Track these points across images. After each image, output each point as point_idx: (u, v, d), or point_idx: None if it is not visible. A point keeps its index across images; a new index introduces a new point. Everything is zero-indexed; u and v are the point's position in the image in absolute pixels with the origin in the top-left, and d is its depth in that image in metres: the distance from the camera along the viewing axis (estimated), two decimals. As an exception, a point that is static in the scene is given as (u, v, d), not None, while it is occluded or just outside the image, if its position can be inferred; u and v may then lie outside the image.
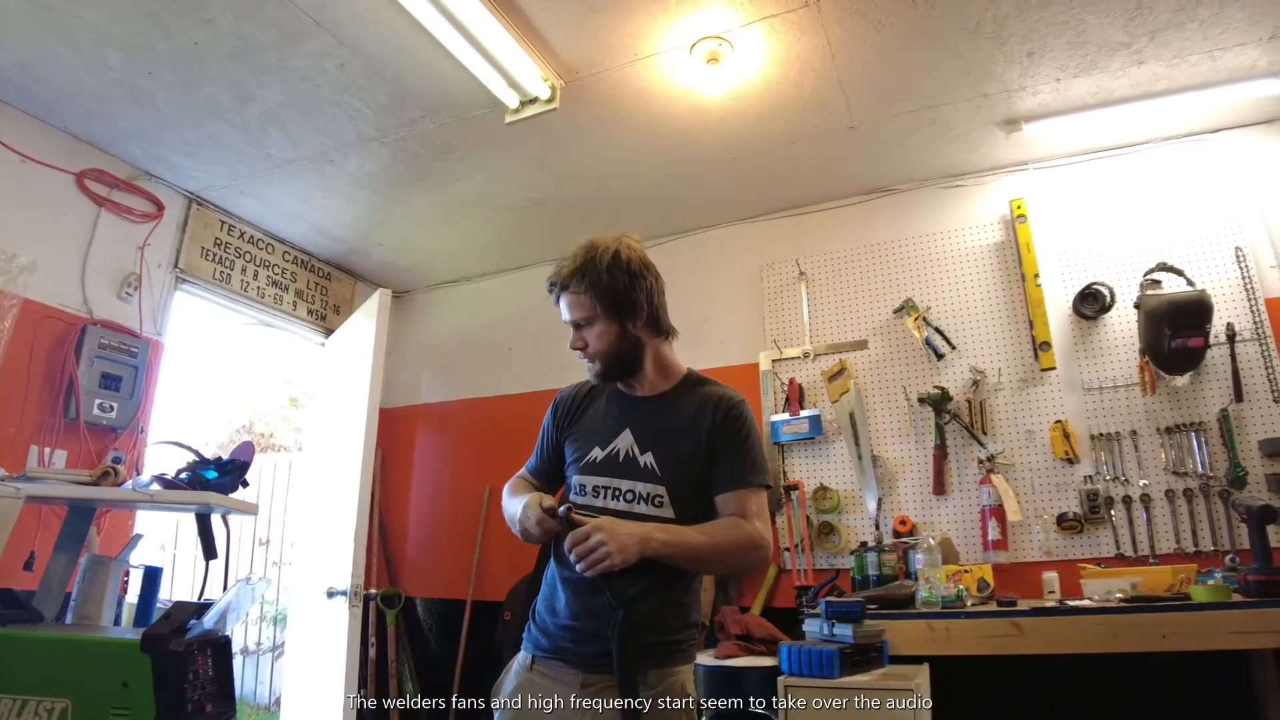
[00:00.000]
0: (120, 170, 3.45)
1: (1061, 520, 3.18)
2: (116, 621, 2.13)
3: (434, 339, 4.99)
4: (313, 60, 2.82)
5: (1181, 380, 3.15)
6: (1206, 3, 2.59)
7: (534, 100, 2.98)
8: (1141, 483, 3.14)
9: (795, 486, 3.65)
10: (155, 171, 3.58)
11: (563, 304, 1.74)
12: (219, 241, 3.94)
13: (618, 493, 1.68)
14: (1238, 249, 3.19)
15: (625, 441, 1.72)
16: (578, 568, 1.50)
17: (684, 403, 1.75)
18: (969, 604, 2.75)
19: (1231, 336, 3.09)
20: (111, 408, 3.20)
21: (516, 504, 1.70)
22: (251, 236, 4.14)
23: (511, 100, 2.99)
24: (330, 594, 3.59)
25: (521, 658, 1.74)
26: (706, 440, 1.68)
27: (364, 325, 4.01)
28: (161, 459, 2.94)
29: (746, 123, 3.28)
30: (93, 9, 2.55)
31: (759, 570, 3.47)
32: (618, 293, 1.68)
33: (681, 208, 4.09)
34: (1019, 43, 2.79)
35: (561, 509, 1.56)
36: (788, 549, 3.59)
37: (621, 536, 1.49)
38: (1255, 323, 3.09)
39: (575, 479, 1.77)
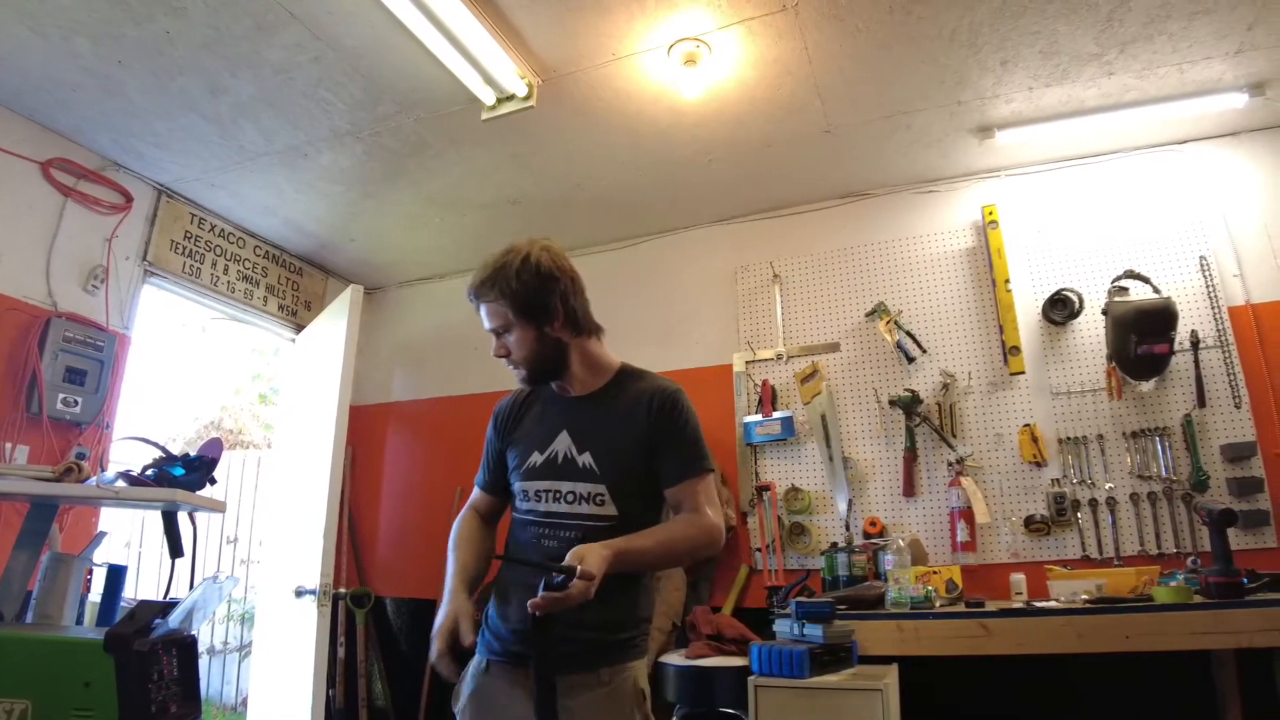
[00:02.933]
0: (88, 160, 3.38)
1: (1029, 522, 3.23)
2: (79, 621, 2.10)
3: (406, 336, 4.94)
4: (287, 53, 2.79)
5: (1147, 386, 3.21)
6: (1176, 17, 2.64)
7: (511, 98, 2.96)
8: (1107, 486, 3.19)
9: (767, 487, 3.67)
10: (124, 162, 3.51)
11: (482, 313, 1.75)
12: (189, 234, 3.88)
13: (559, 495, 1.68)
14: (1202, 258, 3.26)
15: (563, 443, 1.72)
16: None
17: (619, 399, 1.76)
18: (938, 605, 2.78)
19: (1195, 343, 3.16)
20: (76, 402, 3.14)
21: (451, 566, 1.76)
22: (222, 230, 4.07)
23: (488, 97, 2.97)
24: (299, 593, 3.55)
25: (476, 662, 1.72)
26: (645, 435, 1.69)
27: (335, 321, 3.96)
28: (127, 455, 2.90)
29: (723, 124, 3.29)
30: (60, -5, 2.49)
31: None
32: (529, 298, 1.68)
33: (657, 208, 4.08)
34: (993, 51, 2.83)
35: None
36: (759, 549, 3.60)
37: (590, 589, 1.40)
38: (1218, 330, 3.16)
39: (518, 485, 1.77)
